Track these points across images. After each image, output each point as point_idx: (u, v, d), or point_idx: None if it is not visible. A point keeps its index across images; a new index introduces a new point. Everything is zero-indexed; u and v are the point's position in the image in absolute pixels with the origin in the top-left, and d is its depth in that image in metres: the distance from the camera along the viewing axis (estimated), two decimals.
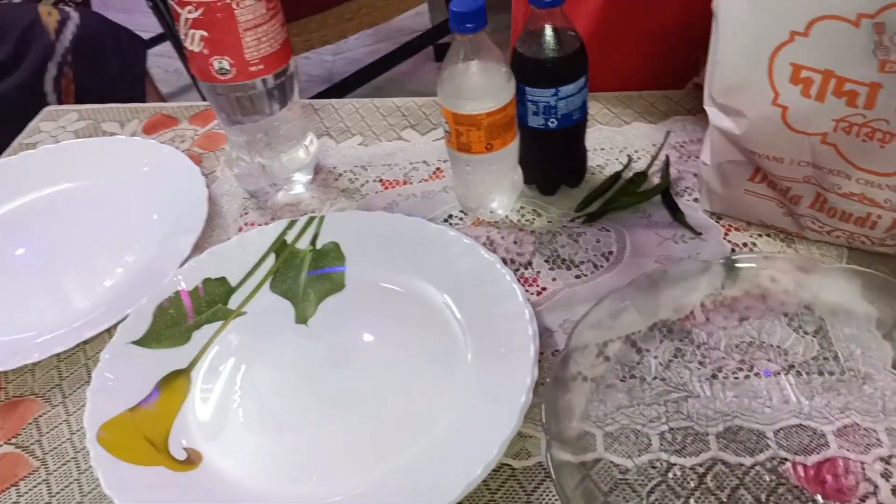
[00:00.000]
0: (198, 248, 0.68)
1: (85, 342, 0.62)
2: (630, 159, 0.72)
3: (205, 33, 0.62)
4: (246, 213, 0.73)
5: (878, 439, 0.49)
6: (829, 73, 0.51)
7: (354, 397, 0.56)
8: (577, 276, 0.62)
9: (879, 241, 0.58)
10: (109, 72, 1.42)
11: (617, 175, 0.70)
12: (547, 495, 0.49)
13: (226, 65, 0.64)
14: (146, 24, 2.04)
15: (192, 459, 0.53)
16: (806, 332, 0.55)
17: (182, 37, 0.63)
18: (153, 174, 0.78)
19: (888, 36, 0.48)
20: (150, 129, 0.87)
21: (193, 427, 0.55)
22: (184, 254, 0.67)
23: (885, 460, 0.48)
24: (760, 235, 0.63)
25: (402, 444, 0.52)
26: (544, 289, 0.62)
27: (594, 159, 0.73)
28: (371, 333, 0.60)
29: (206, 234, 0.71)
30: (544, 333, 0.58)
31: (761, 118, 0.56)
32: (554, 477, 0.46)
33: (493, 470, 0.50)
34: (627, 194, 0.68)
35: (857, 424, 0.50)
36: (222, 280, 0.64)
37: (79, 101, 1.35)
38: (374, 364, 0.58)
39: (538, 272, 0.63)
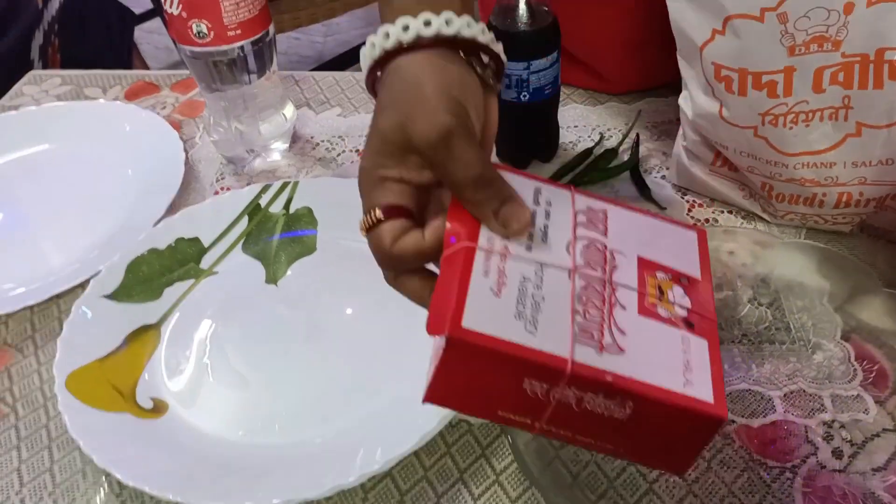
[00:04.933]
0: (173, 209, 0.69)
1: (58, 296, 0.63)
2: (602, 137, 0.74)
3: None
4: (222, 178, 0.74)
5: (822, 405, 0.51)
6: (743, 71, 0.54)
7: (319, 354, 0.57)
8: None
9: (832, 218, 0.60)
10: (95, 42, 1.42)
11: (588, 151, 0.71)
12: (501, 450, 0.51)
13: (204, 28, 0.65)
14: None
15: (158, 408, 0.54)
16: (761, 304, 0.57)
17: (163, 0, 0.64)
18: (132, 137, 0.79)
19: (791, 24, 0.51)
20: (131, 96, 0.88)
21: (161, 379, 0.57)
22: (158, 214, 0.68)
23: (828, 424, 0.50)
24: (722, 212, 0.65)
25: (362, 397, 0.53)
26: None
27: (567, 136, 0.74)
28: (340, 293, 0.61)
29: (182, 197, 0.72)
30: None
31: (705, 109, 0.59)
32: (508, 432, 0.48)
33: (451, 425, 0.52)
34: (597, 170, 0.70)
35: (804, 391, 0.52)
36: (195, 240, 0.65)
37: (64, 69, 1.35)
38: (339, 322, 0.59)
39: None
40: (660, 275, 0.40)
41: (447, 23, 0.40)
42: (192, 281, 0.63)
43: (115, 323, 0.59)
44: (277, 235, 0.66)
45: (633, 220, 0.43)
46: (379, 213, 0.39)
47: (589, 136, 0.74)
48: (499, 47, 0.43)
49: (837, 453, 0.48)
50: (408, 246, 0.39)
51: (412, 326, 0.57)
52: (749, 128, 0.57)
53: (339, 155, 0.76)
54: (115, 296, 0.61)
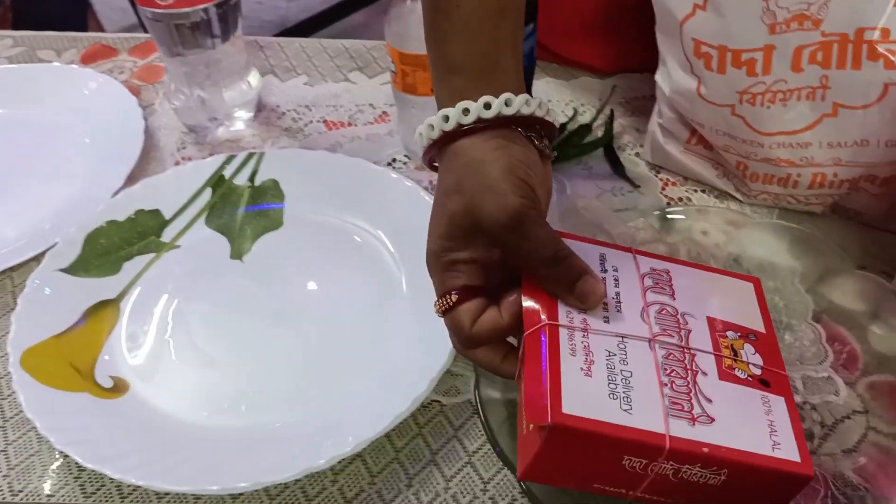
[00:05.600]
0: (132, 179, 0.66)
1: (12, 269, 0.61)
2: (576, 112, 0.72)
3: None
4: (184, 148, 0.72)
5: (794, 387, 0.51)
6: (723, 49, 0.54)
7: (286, 332, 0.56)
8: None
9: (805, 199, 0.60)
10: (49, 1, 1.36)
11: (562, 127, 0.70)
12: (473, 430, 0.50)
13: None
14: None
15: (118, 388, 0.52)
16: None
17: None
18: (88, 103, 0.75)
19: (773, 1, 0.51)
20: (87, 59, 0.84)
21: (121, 357, 0.55)
22: (117, 184, 0.65)
23: (799, 406, 0.50)
24: (696, 191, 0.64)
25: (332, 378, 0.52)
26: None
27: None
28: (307, 269, 0.60)
29: (142, 167, 0.69)
30: None
31: (682, 86, 0.58)
32: (481, 413, 0.47)
33: (423, 406, 0.51)
34: (571, 146, 0.69)
35: None
36: (155, 212, 0.63)
37: (16, 29, 1.30)
38: (307, 300, 0.58)
39: None
40: (730, 334, 0.43)
41: (507, 103, 0.40)
42: (152, 255, 0.61)
43: (73, 298, 0.57)
44: (242, 209, 0.63)
45: (694, 278, 0.45)
46: (454, 297, 0.40)
47: (562, 111, 0.73)
48: (554, 116, 0.43)
49: (808, 435, 0.48)
50: (486, 326, 0.40)
51: (383, 304, 0.56)
52: (726, 106, 0.56)
53: (306, 125, 0.74)
54: (73, 269, 0.58)
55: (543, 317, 0.39)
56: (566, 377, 0.37)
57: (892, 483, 0.45)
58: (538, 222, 0.39)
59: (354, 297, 0.57)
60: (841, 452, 0.47)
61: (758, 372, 0.41)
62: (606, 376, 0.38)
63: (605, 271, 0.43)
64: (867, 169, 0.56)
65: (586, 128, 0.70)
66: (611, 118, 0.70)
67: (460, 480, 0.48)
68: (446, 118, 0.40)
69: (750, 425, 0.39)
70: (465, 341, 0.41)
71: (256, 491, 0.47)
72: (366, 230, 0.61)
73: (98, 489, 0.49)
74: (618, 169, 0.66)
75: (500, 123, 0.40)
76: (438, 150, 0.42)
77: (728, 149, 0.59)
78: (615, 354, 0.39)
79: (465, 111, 0.40)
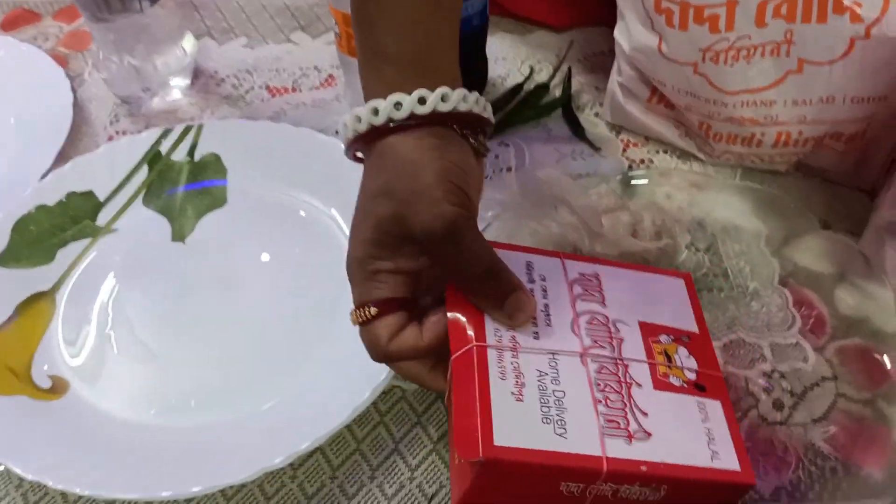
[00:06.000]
0: (62, 158, 0.62)
1: None
2: (532, 70, 0.69)
3: None
4: (117, 121, 0.67)
5: (762, 355, 0.50)
6: (685, 4, 0.51)
7: (235, 320, 0.53)
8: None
9: (769, 157, 0.58)
10: None
11: (518, 87, 0.67)
12: (437, 416, 0.48)
13: None
14: None
15: (57, 388, 0.49)
16: (698, 249, 0.55)
17: None
18: (11, 75, 0.70)
19: None
20: (8, 26, 0.78)
21: (58, 354, 0.51)
22: (45, 165, 0.61)
23: (768, 375, 0.49)
24: (658, 152, 0.62)
25: (286, 367, 0.50)
26: None
27: (495, 69, 0.70)
28: (254, 251, 0.57)
29: (72, 144, 0.64)
30: None
31: (642, 43, 0.56)
32: (444, 398, 0.45)
33: (384, 392, 0.49)
34: (528, 108, 0.66)
35: (743, 340, 0.50)
36: (89, 194, 0.58)
37: None
38: (257, 284, 0.55)
39: None
40: (663, 338, 0.42)
41: (443, 98, 0.37)
42: (88, 241, 0.57)
43: (3, 291, 0.53)
44: (182, 187, 0.60)
45: (624, 280, 0.44)
46: (373, 310, 0.37)
47: (518, 70, 0.70)
48: (489, 113, 0.40)
49: (778, 405, 0.47)
50: (404, 345, 0.38)
51: (338, 287, 0.53)
52: (689, 64, 0.54)
53: (247, 92, 0.69)
54: (1, 260, 0.54)
55: (471, 334, 0.38)
56: (497, 404, 0.36)
57: (862, 452, 0.45)
58: (473, 233, 0.37)
59: (306, 281, 0.54)
60: (811, 422, 0.46)
61: (692, 377, 0.41)
62: (538, 399, 0.36)
63: (533, 281, 0.41)
64: (832, 126, 0.54)
65: (544, 88, 0.67)
66: (568, 76, 0.67)
67: (426, 469, 0.46)
68: (375, 111, 0.37)
69: (687, 436, 0.38)
70: (380, 357, 0.39)
71: (212, 493, 0.45)
72: (316, 207, 0.58)
73: (41, 498, 0.46)
74: (577, 131, 0.64)
75: (435, 121, 0.37)
76: (365, 144, 0.38)
77: (690, 108, 0.57)
78: (546, 374, 0.38)
79: (398, 105, 0.37)
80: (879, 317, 0.49)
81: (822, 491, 0.44)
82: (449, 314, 0.38)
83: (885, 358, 0.48)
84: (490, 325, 0.38)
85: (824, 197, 0.58)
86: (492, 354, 0.37)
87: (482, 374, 0.36)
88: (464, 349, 0.38)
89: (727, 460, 0.37)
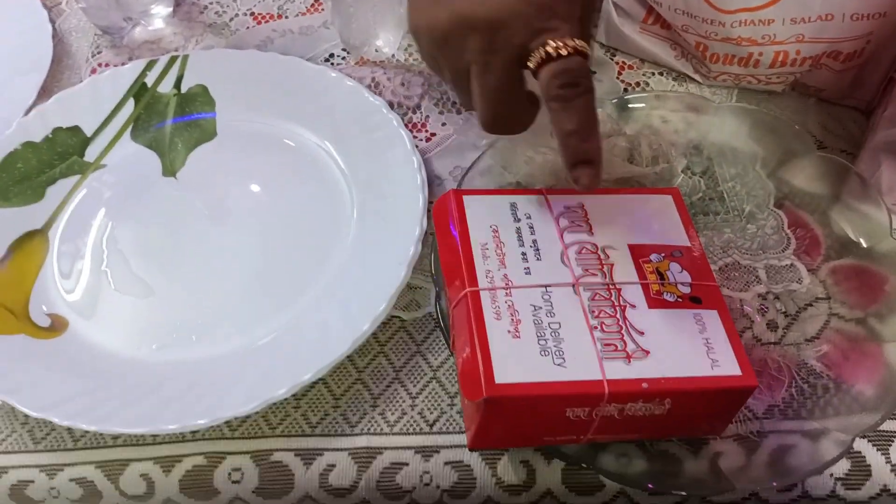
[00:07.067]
0: (44, 93, 0.60)
1: None
2: None
3: None
4: (99, 53, 0.65)
5: (756, 277, 0.50)
6: None
7: (232, 254, 0.52)
8: (468, 121, 0.59)
9: (766, 78, 0.57)
10: None
11: None
12: (437, 345, 0.49)
13: None
14: None
15: (56, 326, 0.49)
16: (693, 173, 0.55)
17: None
18: None
19: None
20: None
21: (55, 291, 0.51)
22: (28, 100, 0.59)
23: (763, 296, 0.49)
24: (653, 74, 0.61)
25: (285, 300, 0.50)
26: (433, 134, 0.58)
27: None
28: (247, 184, 0.56)
29: (54, 78, 0.63)
30: (433, 182, 0.55)
31: None
32: (443, 325, 0.45)
33: (383, 322, 0.49)
34: None
35: (738, 262, 0.51)
36: (75, 129, 0.57)
37: None
38: (251, 217, 0.54)
39: (427, 116, 0.59)
40: (654, 257, 0.42)
41: None
42: (77, 177, 0.56)
43: None
44: (170, 120, 0.58)
45: (609, 206, 0.44)
46: (580, 42, 0.40)
47: None
48: None
49: (772, 325, 0.48)
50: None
51: (334, 217, 0.53)
52: None
53: (231, 19, 0.67)
54: None
55: (464, 281, 0.39)
56: (494, 344, 0.37)
57: (854, 369, 0.45)
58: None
59: (302, 212, 0.54)
60: (804, 341, 0.47)
61: (687, 290, 0.41)
62: (535, 333, 0.38)
63: (519, 220, 0.42)
64: (830, 45, 0.53)
65: None
66: None
67: (426, 397, 0.47)
68: None
69: (686, 349, 0.39)
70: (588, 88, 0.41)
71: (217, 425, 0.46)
72: (307, 137, 0.57)
73: (48, 434, 0.47)
74: None
75: None
76: None
77: (687, 28, 0.56)
78: (541, 308, 0.39)
79: None
80: (873, 236, 0.49)
81: (814, 408, 0.45)
82: (443, 265, 0.40)
83: (878, 276, 0.48)
84: (481, 268, 0.40)
85: (819, 116, 0.58)
86: (485, 297, 0.39)
87: (478, 317, 0.38)
88: (458, 297, 0.40)
89: (727, 367, 0.38)
